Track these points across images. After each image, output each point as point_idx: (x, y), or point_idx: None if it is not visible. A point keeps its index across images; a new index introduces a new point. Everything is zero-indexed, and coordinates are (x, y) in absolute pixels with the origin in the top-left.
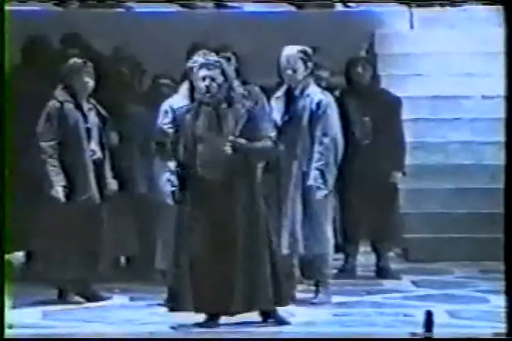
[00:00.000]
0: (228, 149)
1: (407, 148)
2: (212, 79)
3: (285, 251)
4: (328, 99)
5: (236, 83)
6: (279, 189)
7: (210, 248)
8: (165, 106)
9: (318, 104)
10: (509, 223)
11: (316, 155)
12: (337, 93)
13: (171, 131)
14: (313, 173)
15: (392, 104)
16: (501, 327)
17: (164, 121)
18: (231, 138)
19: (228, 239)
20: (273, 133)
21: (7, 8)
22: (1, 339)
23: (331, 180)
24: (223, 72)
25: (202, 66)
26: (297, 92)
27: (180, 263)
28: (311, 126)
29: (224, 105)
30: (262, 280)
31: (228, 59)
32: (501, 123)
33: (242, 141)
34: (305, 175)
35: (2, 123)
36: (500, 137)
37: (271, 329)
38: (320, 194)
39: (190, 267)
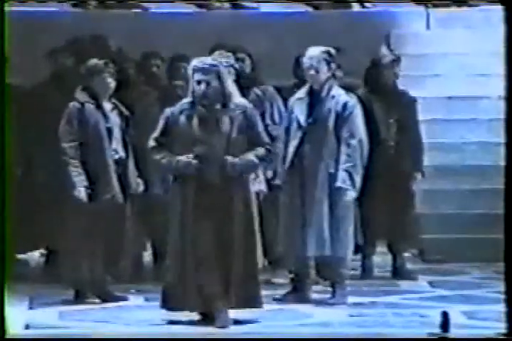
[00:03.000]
0: (230, 171)
1: (424, 149)
2: (208, 83)
3: (311, 252)
4: (353, 100)
5: (230, 83)
6: (304, 191)
7: (209, 248)
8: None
9: (344, 106)
10: (509, 224)
11: (343, 157)
12: (358, 93)
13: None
14: (341, 175)
15: (411, 105)
16: None
17: None
18: (229, 159)
19: (225, 239)
20: (268, 139)
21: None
22: (2, 339)
23: (358, 181)
24: (219, 76)
25: (198, 70)
26: (323, 94)
27: (181, 263)
28: (337, 128)
29: (218, 106)
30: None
31: (243, 60)
32: None
33: (237, 160)
34: (331, 177)
35: (2, 123)
36: None
37: (287, 330)
38: (349, 195)
39: (189, 267)
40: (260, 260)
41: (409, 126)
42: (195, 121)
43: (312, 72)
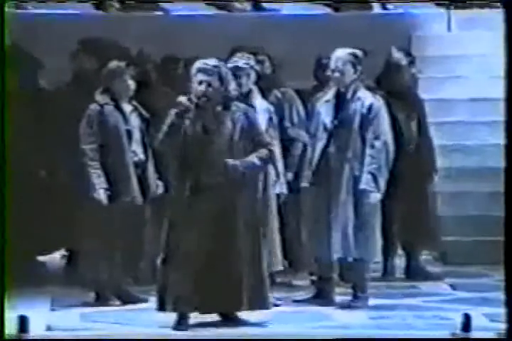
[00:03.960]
0: (231, 173)
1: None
2: (209, 85)
3: (336, 254)
4: (379, 102)
5: (232, 87)
6: (329, 193)
7: (210, 248)
8: None
9: (370, 108)
10: (509, 225)
11: (367, 159)
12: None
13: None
14: (366, 177)
15: (422, 106)
16: None
17: None
18: (230, 161)
19: (229, 241)
20: (270, 139)
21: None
22: (1, 340)
23: (382, 183)
24: (220, 77)
25: (200, 71)
26: (348, 96)
27: (177, 263)
28: (362, 130)
29: (219, 108)
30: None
31: (263, 62)
32: None
33: (238, 162)
34: (356, 179)
35: (2, 123)
36: None
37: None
38: (374, 198)
39: (188, 268)
40: (280, 262)
41: (425, 128)
42: (197, 123)
43: (337, 74)
